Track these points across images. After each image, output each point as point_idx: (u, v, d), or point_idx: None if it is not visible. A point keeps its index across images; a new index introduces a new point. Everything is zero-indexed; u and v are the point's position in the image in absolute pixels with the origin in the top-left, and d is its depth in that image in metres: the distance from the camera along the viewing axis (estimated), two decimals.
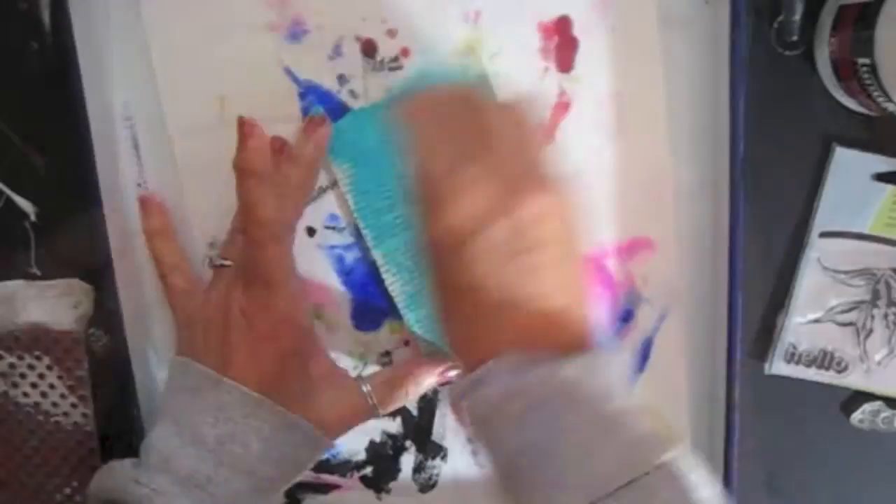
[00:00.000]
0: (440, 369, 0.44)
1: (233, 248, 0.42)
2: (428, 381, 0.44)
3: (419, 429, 0.47)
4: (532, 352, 0.31)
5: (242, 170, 0.38)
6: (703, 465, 0.30)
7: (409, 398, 0.44)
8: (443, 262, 0.33)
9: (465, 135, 0.33)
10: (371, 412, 0.43)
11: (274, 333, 0.39)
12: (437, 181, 0.32)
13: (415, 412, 0.47)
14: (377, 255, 0.44)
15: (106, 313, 0.44)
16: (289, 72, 0.43)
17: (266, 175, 0.39)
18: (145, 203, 0.44)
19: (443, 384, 0.45)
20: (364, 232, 0.44)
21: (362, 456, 0.48)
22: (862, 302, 0.45)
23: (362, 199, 0.43)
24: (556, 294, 0.32)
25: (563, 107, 0.43)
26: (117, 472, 0.38)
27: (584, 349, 0.31)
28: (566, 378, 0.30)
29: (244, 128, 0.38)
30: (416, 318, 0.44)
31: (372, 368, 0.46)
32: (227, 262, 0.41)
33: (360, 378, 0.44)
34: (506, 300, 0.31)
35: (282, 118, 0.43)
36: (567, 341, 0.31)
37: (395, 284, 0.44)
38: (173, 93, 0.43)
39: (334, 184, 0.44)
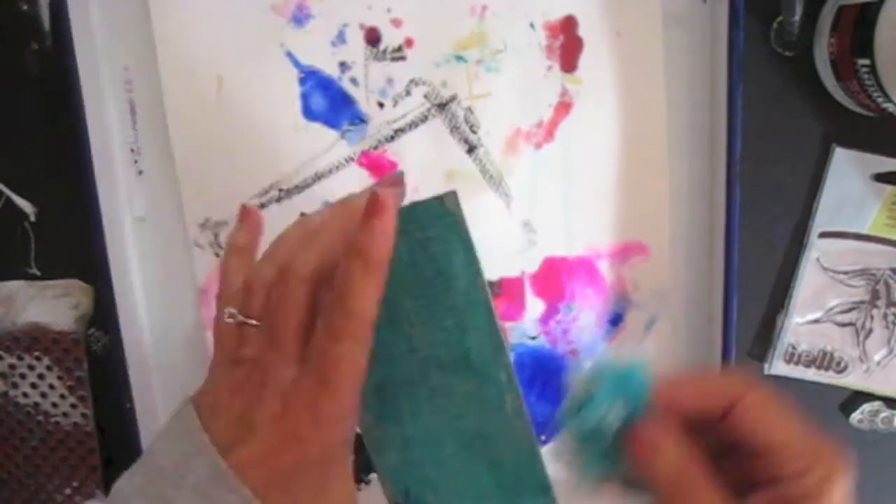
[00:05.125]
0: None
1: (255, 301, 0.33)
2: None
3: None
4: None
5: (366, 251, 0.31)
6: None
7: None
8: None
9: None
10: None
11: (304, 436, 0.32)
12: None
13: None
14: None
15: (105, 313, 0.44)
16: (290, 56, 0.43)
17: (383, 266, 0.31)
18: (247, 215, 0.37)
19: None
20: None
21: None
22: (861, 302, 0.45)
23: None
24: None
25: (564, 106, 0.43)
26: None
27: None
28: None
29: (376, 203, 0.31)
30: (386, 464, 0.34)
31: None
32: (254, 322, 0.33)
33: None
34: None
35: (279, 102, 0.43)
36: None
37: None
38: (172, 67, 0.43)
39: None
